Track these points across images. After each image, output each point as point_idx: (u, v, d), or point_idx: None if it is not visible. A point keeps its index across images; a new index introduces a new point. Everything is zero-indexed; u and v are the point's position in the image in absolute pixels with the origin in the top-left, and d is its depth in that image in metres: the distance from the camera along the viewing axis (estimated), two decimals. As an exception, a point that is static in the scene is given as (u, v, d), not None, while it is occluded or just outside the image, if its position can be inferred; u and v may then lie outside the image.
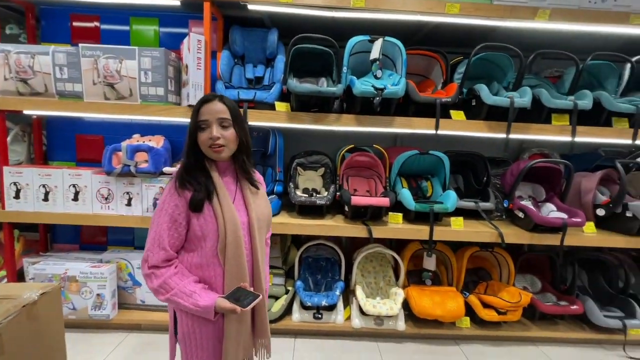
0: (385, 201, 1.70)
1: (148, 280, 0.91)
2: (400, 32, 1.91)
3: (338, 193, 1.88)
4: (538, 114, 1.77)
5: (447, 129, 1.72)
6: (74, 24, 1.96)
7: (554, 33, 1.86)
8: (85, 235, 2.13)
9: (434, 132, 1.71)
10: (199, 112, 0.93)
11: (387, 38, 1.74)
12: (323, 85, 1.84)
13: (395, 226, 1.78)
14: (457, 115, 1.74)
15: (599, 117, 1.79)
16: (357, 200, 1.69)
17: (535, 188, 2.03)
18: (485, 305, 1.84)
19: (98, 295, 1.75)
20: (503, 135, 1.73)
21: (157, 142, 1.85)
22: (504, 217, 2.04)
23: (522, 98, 1.67)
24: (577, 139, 1.74)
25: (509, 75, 1.89)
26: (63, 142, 2.04)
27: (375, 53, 1.72)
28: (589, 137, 1.76)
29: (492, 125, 1.72)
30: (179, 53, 1.81)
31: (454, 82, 1.87)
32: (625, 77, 1.87)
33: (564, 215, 1.78)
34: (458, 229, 1.78)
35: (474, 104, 1.79)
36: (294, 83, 1.62)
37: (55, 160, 2.06)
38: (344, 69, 1.72)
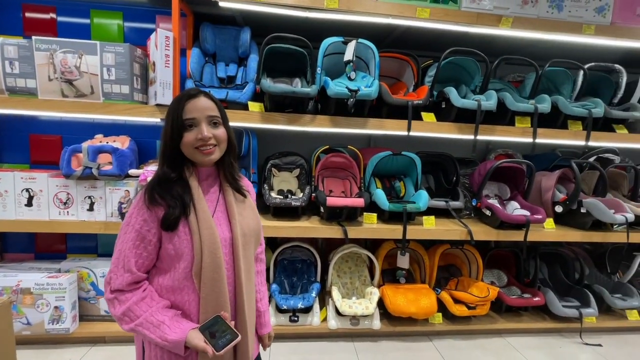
0: (360, 202, 1.72)
1: (110, 306, 0.80)
2: (373, 35, 1.93)
3: (314, 194, 1.87)
4: (503, 116, 1.86)
5: (418, 131, 1.76)
6: (27, 14, 1.81)
7: (517, 40, 1.96)
8: (41, 243, 1.97)
9: (406, 133, 1.75)
10: (184, 110, 0.82)
11: (360, 40, 1.76)
12: (297, 86, 1.83)
13: (370, 226, 1.80)
14: (428, 117, 1.79)
15: (556, 120, 1.92)
16: (332, 201, 1.69)
17: (500, 187, 2.13)
18: (456, 300, 1.90)
19: (56, 307, 1.62)
20: (471, 137, 1.80)
21: (122, 142, 1.75)
22: (472, 215, 2.12)
23: (489, 101, 1.75)
24: (538, 141, 1.85)
25: (475, 79, 1.98)
26: (15, 143, 1.88)
27: (349, 55, 1.73)
28: (547, 138, 1.87)
29: (461, 127, 1.79)
30: (145, 49, 1.72)
31: (424, 84, 1.92)
32: (578, 83, 2.01)
33: (527, 213, 1.88)
34: (430, 227, 1.83)
35: (443, 106, 1.85)
36: (268, 83, 1.60)
37: (5, 162, 1.90)
38: (318, 70, 1.72)
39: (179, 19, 1.61)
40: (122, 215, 1.64)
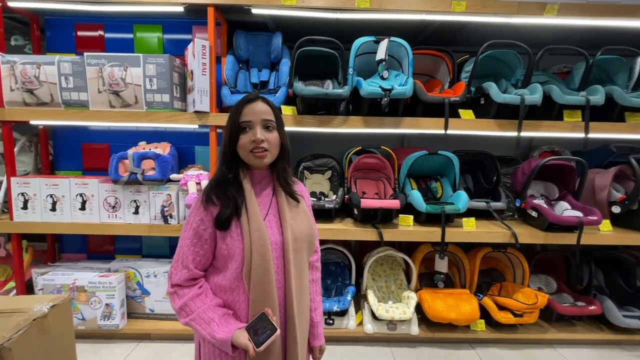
0: (395, 203, 1.68)
1: (171, 300, 0.85)
2: (405, 32, 1.89)
3: (347, 196, 1.85)
4: (549, 110, 1.74)
5: (456, 129, 1.69)
6: (79, 33, 1.96)
7: (563, 28, 1.83)
8: (93, 244, 2.12)
9: (442, 132, 1.68)
10: (242, 113, 0.85)
11: (392, 38, 1.72)
12: (329, 88, 1.82)
13: (406, 228, 1.75)
14: (466, 114, 1.72)
15: (611, 112, 1.76)
16: (367, 203, 1.66)
17: (547, 186, 1.99)
18: (501, 307, 1.80)
19: (107, 305, 1.73)
20: (513, 134, 1.70)
21: (163, 149, 1.84)
22: (516, 216, 2.00)
23: (533, 95, 1.64)
24: (590, 135, 1.71)
25: (517, 72, 1.87)
26: (69, 152, 2.04)
27: (381, 54, 1.70)
28: (601, 133, 1.72)
29: (503, 124, 1.69)
30: (183, 59, 1.80)
31: (461, 81, 1.84)
32: (636, 71, 1.83)
33: (579, 214, 1.74)
34: (470, 229, 1.74)
35: (482, 102, 1.76)
36: (300, 86, 1.61)
37: (62, 170, 2.06)
38: (350, 71, 1.71)
39: (214, 28, 1.67)
40: (164, 218, 1.72)
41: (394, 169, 1.98)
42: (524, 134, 1.68)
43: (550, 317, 1.88)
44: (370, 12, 1.65)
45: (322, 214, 1.87)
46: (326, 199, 1.86)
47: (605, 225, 1.78)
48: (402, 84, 1.63)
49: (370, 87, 1.58)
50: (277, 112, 0.89)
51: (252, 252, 0.80)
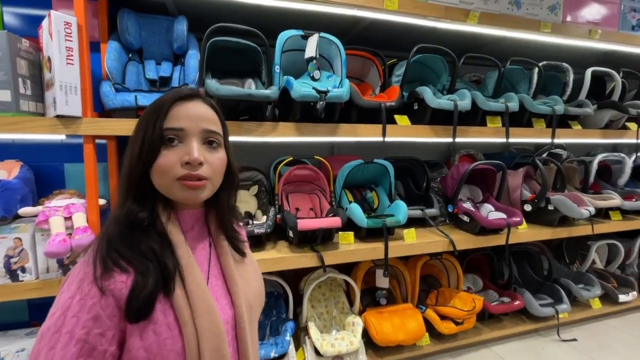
0: (337, 221, 1.47)
1: None
2: (332, 29, 1.71)
3: (279, 216, 1.57)
4: (473, 116, 1.77)
5: (393, 136, 1.58)
6: None
7: (478, 38, 1.90)
8: None
9: (379, 139, 1.55)
10: (168, 115, 0.56)
11: (323, 34, 1.52)
12: (251, 88, 1.52)
13: (348, 248, 1.57)
14: (402, 120, 1.62)
15: (521, 118, 1.89)
16: (305, 224, 1.41)
17: (472, 190, 2.06)
18: (442, 317, 1.76)
19: None
20: (445, 139, 1.67)
21: (8, 170, 1.26)
22: (447, 221, 2.01)
23: (463, 101, 1.63)
24: (510, 140, 1.80)
25: (442, 78, 1.87)
26: None
27: (311, 51, 1.48)
28: (517, 137, 1.83)
29: (437, 130, 1.65)
30: (37, 42, 1.27)
31: (392, 85, 1.75)
32: (534, 81, 2.02)
33: (503, 215, 1.82)
34: (411, 242, 1.65)
35: (416, 107, 1.69)
36: (215, 85, 1.27)
37: None
38: (276, 69, 1.44)
39: (86, 1, 1.20)
40: (11, 273, 1.16)
41: (329, 181, 1.78)
42: (448, 139, 1.67)
43: (483, 316, 1.94)
44: (298, 2, 1.41)
45: (250, 241, 1.54)
46: (254, 221, 1.54)
47: (522, 223, 1.90)
48: (336, 86, 1.44)
49: (303, 88, 1.34)
50: (223, 119, 0.64)
51: (202, 349, 0.51)
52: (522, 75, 2.04)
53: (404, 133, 1.60)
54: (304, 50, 1.50)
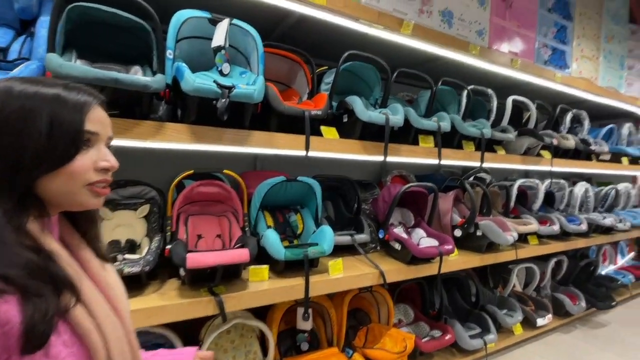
0: (242, 255, 1.14)
1: None
2: (255, 24, 1.45)
3: (168, 246, 1.19)
4: (405, 134, 1.64)
5: (318, 149, 1.34)
6: None
7: (411, 54, 1.82)
8: None
9: (303, 153, 1.30)
10: (88, 116, 0.53)
11: (236, 21, 1.24)
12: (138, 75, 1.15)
13: (260, 286, 1.25)
14: (329, 132, 1.40)
15: (452, 140, 1.83)
16: (196, 260, 1.06)
17: (404, 213, 1.92)
18: (371, 361, 1.52)
19: None
20: (378, 158, 1.49)
21: None
22: (378, 248, 1.83)
23: (396, 115, 1.48)
24: (435, 161, 1.70)
25: (375, 91, 1.72)
26: None
27: (219, 39, 1.18)
28: (448, 159, 1.75)
29: (367, 147, 1.46)
30: None
31: (321, 92, 1.54)
32: (463, 103, 2.00)
33: (434, 242, 1.69)
34: (337, 275, 1.40)
35: (345, 120, 1.49)
36: (58, 60, 0.88)
37: None
38: (169, 54, 1.11)
39: None
40: None
41: (243, 200, 1.46)
42: (377, 158, 1.50)
43: (414, 354, 1.76)
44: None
45: (124, 281, 1.13)
46: (127, 257, 1.14)
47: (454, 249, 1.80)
48: (249, 83, 1.15)
49: (199, 80, 1.02)
50: None
51: (112, 355, 0.52)
52: (452, 97, 2.01)
53: (331, 147, 1.38)
54: (214, 39, 1.19)
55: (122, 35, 1.19)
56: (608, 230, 2.67)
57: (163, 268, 1.25)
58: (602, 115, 3.40)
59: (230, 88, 1.04)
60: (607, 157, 2.76)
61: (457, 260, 1.78)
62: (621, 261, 3.38)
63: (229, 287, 1.20)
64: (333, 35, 1.62)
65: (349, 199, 1.95)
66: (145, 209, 1.41)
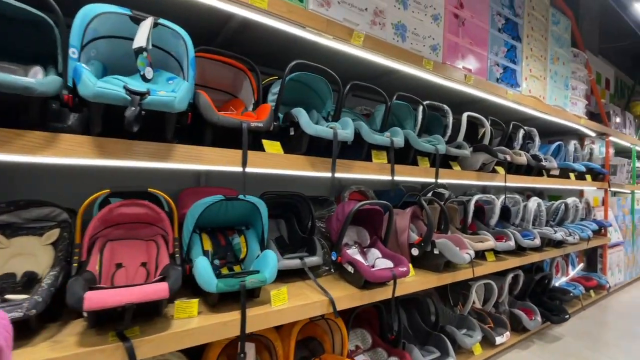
0: (158, 292, 0.96)
1: None
2: (195, 28, 1.32)
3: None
4: (358, 150, 1.55)
5: (258, 166, 1.21)
6: None
7: (365, 67, 1.75)
8: None
9: (238, 169, 1.16)
10: None
11: (163, 21, 1.10)
12: (37, 78, 0.96)
13: (186, 324, 1.07)
14: (272, 147, 1.27)
15: (407, 155, 1.77)
16: (96, 302, 0.87)
17: (360, 232, 1.82)
18: (321, 400, 1.37)
19: None
20: (326, 174, 1.38)
21: None
22: (332, 270, 1.71)
23: (345, 130, 1.38)
24: (394, 177, 1.63)
25: (327, 104, 1.63)
26: None
27: (141, 40, 1.03)
28: (403, 176, 1.68)
29: (315, 162, 1.35)
30: None
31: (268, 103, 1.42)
32: (419, 119, 1.97)
33: (390, 264, 1.59)
34: (281, 306, 1.25)
35: (292, 133, 1.37)
36: None
37: None
38: (72, 52, 0.94)
39: None
40: None
41: (174, 223, 1.28)
42: (322, 174, 1.40)
43: (370, 386, 1.63)
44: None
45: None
46: (11, 296, 0.92)
47: (410, 271, 1.72)
48: (174, 91, 1.00)
49: (100, 84, 0.86)
50: None
51: None
52: (408, 112, 1.97)
53: (274, 163, 1.25)
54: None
55: (24, 30, 1.01)
56: (559, 243, 2.75)
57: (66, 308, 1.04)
58: (550, 132, 3.58)
59: (143, 94, 0.89)
60: (557, 172, 2.87)
61: (414, 282, 1.70)
62: (572, 272, 3.51)
63: (147, 327, 1.01)
64: (283, 43, 1.52)
65: (303, 217, 1.82)
66: (53, 234, 1.20)
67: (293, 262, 1.49)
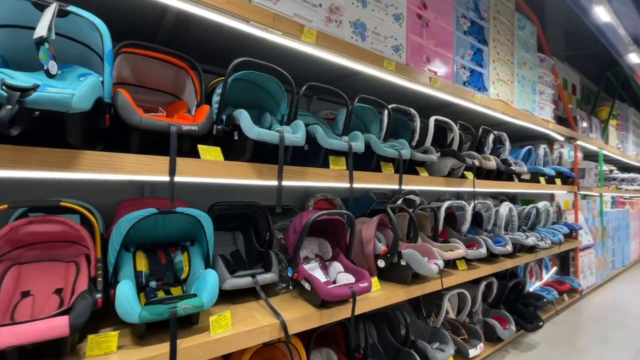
0: (55, 329, 0.79)
1: None
2: (130, 20, 1.17)
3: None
4: (315, 155, 1.43)
5: (192, 175, 1.06)
6: None
7: (325, 68, 1.65)
8: None
9: (165, 178, 1.01)
10: None
11: (77, 10, 0.95)
12: None
13: (100, 363, 0.90)
14: (210, 153, 1.13)
15: (370, 161, 1.67)
16: (-38, 346, 0.70)
17: (321, 244, 1.69)
18: None
19: None
20: (273, 183, 1.25)
21: None
22: (291, 287, 1.56)
23: (295, 134, 1.26)
24: (355, 186, 1.52)
25: (282, 106, 1.51)
26: None
27: (42, 29, 0.88)
28: (363, 183, 1.57)
29: (262, 170, 1.22)
30: None
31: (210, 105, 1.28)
32: (384, 123, 1.88)
33: (351, 278, 1.47)
34: (222, 334, 1.10)
35: (236, 137, 1.24)
36: None
37: None
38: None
39: None
40: None
41: (96, 241, 1.11)
42: (287, 183, 1.27)
43: (333, 414, 1.49)
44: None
45: None
46: None
47: (375, 284, 1.60)
48: (75, 87, 0.85)
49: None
50: None
51: None
52: (373, 116, 1.88)
53: (212, 172, 1.11)
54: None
55: None
56: (532, 248, 2.72)
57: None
58: (520, 137, 3.59)
59: (29, 90, 0.73)
60: (528, 176, 2.85)
61: (380, 296, 1.58)
62: (546, 276, 3.50)
63: (46, 371, 0.84)
64: (229, 40, 1.39)
65: (261, 229, 1.68)
66: (-55, 258, 1.00)
67: (243, 281, 1.34)
